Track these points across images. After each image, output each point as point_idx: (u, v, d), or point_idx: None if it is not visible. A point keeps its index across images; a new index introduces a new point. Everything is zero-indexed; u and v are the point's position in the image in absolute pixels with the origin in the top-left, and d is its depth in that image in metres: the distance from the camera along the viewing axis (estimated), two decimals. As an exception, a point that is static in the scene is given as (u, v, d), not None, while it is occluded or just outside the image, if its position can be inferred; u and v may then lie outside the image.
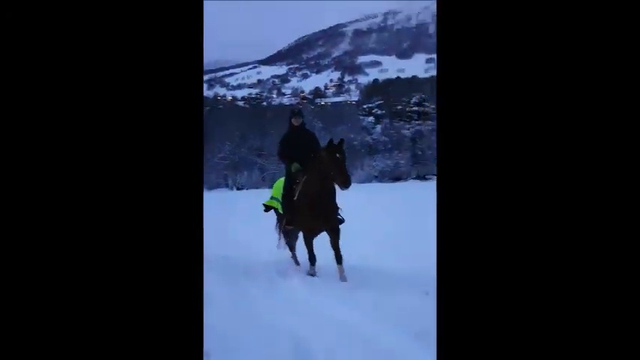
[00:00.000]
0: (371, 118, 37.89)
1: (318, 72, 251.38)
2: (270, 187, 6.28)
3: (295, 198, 4.73)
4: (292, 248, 5.43)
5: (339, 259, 4.48)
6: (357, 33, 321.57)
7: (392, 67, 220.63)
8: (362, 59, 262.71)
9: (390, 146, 36.03)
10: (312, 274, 4.67)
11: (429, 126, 36.03)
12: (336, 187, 4.35)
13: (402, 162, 35.37)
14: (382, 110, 38.58)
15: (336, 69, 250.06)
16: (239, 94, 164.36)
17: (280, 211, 5.21)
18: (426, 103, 37.84)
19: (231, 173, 39.99)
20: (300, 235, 5.37)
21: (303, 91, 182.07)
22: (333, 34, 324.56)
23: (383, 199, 15.17)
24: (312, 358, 2.55)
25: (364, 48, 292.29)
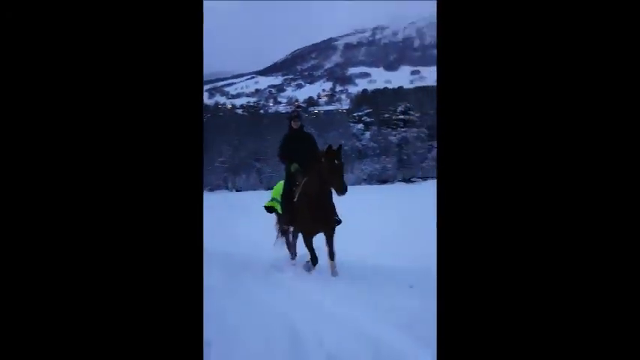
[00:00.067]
0: (360, 126, 37.94)
1: (311, 82, 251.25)
2: (268, 188, 6.26)
3: (295, 200, 4.64)
4: (289, 246, 5.38)
5: (332, 255, 4.46)
6: (348, 46, 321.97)
7: (380, 79, 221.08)
8: (352, 71, 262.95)
9: (377, 151, 36.11)
10: (308, 270, 4.59)
11: (414, 133, 36.22)
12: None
13: (389, 166, 35.48)
14: (371, 118, 38.64)
15: (328, 80, 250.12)
16: (238, 102, 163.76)
17: (280, 211, 5.13)
18: (411, 112, 37.96)
19: (230, 176, 39.85)
20: (292, 234, 5.36)
21: (297, 100, 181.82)
22: (325, 47, 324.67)
23: (371, 199, 15.19)
24: (304, 343, 2.59)
25: (354, 60, 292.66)
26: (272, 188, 5.70)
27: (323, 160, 4.18)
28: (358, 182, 33.25)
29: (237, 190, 37.25)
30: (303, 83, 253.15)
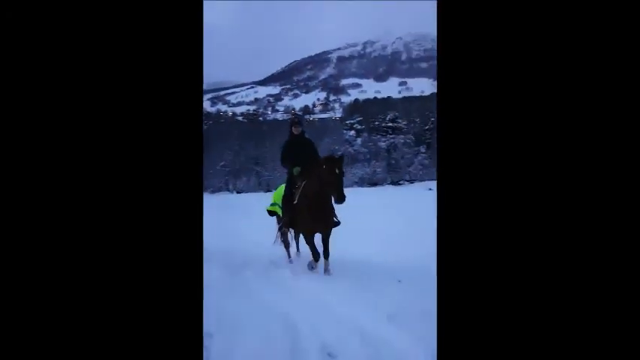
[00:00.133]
0: (352, 132, 38.02)
1: (307, 92, 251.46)
2: (267, 190, 6.23)
3: (295, 201, 4.51)
4: (287, 245, 5.30)
5: (326, 254, 4.41)
6: (341, 59, 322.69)
7: (370, 89, 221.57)
8: (345, 82, 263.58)
9: (368, 156, 36.19)
10: (313, 267, 4.42)
11: (402, 139, 36.41)
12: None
13: (379, 170, 35.57)
14: (362, 125, 38.74)
15: (322, 90, 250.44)
16: (239, 110, 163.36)
17: (280, 214, 5.05)
18: (399, 120, 38.13)
19: (231, 179, 39.76)
20: (294, 234, 5.32)
21: (294, 109, 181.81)
22: (319, 59, 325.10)
23: (362, 200, 15.20)
24: (300, 334, 2.57)
25: (347, 72, 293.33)
26: (271, 190, 5.67)
27: (324, 167, 4.05)
28: (350, 185, 33.29)
29: (237, 192, 37.14)
30: (299, 93, 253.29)
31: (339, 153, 4.25)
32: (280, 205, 4.97)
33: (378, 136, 36.98)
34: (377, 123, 38.08)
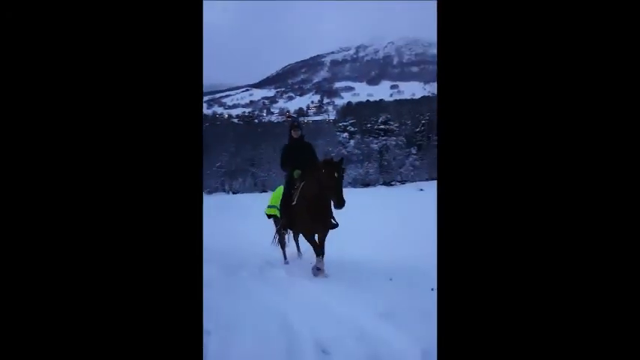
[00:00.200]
0: (345, 134, 38.07)
1: (301, 95, 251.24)
2: (261, 191, 6.20)
3: (294, 203, 4.45)
4: (283, 246, 5.27)
5: (322, 253, 4.37)
6: (334, 63, 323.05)
7: (363, 92, 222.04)
8: (338, 85, 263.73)
9: (361, 158, 36.25)
10: (320, 267, 4.11)
11: (393, 141, 36.56)
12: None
13: (371, 171, 35.67)
14: (355, 128, 38.83)
15: (316, 92, 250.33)
16: (234, 112, 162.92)
17: (278, 215, 4.99)
18: (391, 122, 38.28)
19: (227, 180, 39.61)
20: (292, 236, 5.28)
21: (288, 111, 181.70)
22: (313, 63, 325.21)
23: (357, 201, 15.23)
24: (295, 332, 2.56)
25: (340, 75, 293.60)
26: (267, 191, 5.64)
27: (323, 170, 3.95)
28: (344, 185, 33.31)
29: (233, 193, 37.01)
30: (293, 95, 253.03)
31: (337, 156, 4.16)
32: (278, 207, 4.91)
33: (371, 138, 37.09)
34: (369, 125, 38.20)
